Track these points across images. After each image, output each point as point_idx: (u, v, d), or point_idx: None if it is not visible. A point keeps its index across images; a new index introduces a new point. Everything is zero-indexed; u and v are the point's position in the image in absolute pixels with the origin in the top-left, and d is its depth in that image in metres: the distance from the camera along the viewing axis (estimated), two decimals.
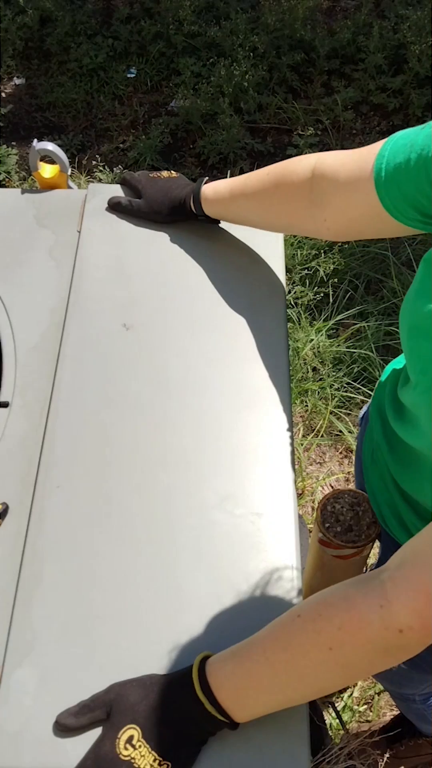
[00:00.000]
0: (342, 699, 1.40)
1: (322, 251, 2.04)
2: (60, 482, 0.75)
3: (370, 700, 1.42)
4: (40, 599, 0.69)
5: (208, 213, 0.90)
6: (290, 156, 2.32)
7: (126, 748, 0.58)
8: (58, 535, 0.72)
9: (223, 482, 0.77)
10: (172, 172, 0.97)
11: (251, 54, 2.43)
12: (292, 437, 0.81)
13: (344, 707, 1.39)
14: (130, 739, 0.58)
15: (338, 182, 0.72)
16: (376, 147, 0.68)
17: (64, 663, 0.65)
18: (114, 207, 0.96)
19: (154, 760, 0.58)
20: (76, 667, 0.65)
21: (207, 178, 0.90)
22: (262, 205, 0.84)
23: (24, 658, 0.65)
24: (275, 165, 0.82)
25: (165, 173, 0.96)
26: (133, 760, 0.58)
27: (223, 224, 0.97)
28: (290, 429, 0.81)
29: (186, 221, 0.94)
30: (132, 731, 0.59)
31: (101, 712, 0.61)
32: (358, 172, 0.68)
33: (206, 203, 0.89)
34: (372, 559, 1.57)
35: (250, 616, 0.69)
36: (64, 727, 0.61)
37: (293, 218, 0.82)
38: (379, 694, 1.43)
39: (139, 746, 0.58)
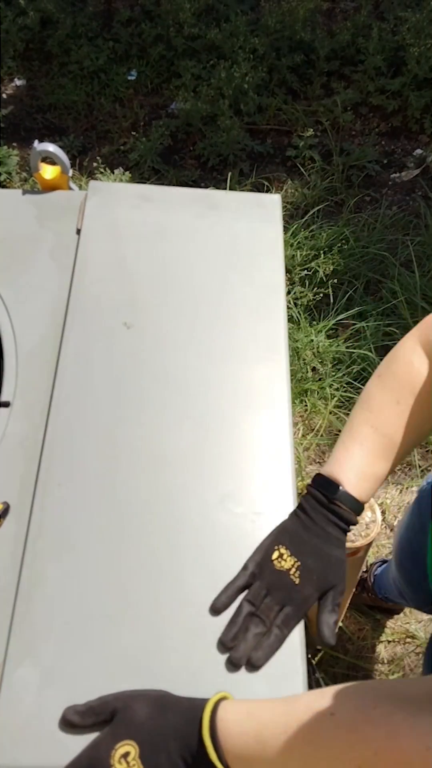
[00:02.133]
0: None
1: (321, 252, 2.05)
2: (61, 481, 0.76)
3: None
4: (41, 598, 0.69)
5: (361, 498, 0.74)
6: (290, 157, 2.35)
7: (120, 763, 0.58)
8: (59, 534, 0.73)
9: (223, 481, 0.77)
10: (276, 550, 0.71)
11: (251, 56, 2.44)
12: (291, 437, 0.81)
13: None
14: (126, 755, 0.58)
15: None
16: None
17: (65, 662, 0.66)
18: (336, 628, 0.72)
19: None
20: (77, 665, 0.66)
21: (337, 485, 0.72)
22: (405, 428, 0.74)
23: (25, 657, 0.66)
24: (379, 382, 0.74)
25: (282, 563, 0.71)
26: None
27: (222, 225, 0.98)
28: (290, 428, 0.81)
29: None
30: (129, 747, 0.58)
31: (106, 715, 0.61)
32: None
33: (368, 495, 0.74)
34: (371, 558, 1.57)
35: None
36: (69, 723, 0.61)
37: None
38: None
39: (134, 765, 0.58)
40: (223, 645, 0.67)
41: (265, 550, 0.71)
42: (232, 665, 0.66)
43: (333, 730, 0.52)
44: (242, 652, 0.66)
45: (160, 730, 0.59)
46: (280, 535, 0.72)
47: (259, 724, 0.56)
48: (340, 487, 0.71)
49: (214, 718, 0.58)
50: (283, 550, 0.71)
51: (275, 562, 0.70)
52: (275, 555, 0.70)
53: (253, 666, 0.66)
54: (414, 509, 1.12)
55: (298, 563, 0.70)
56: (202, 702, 0.60)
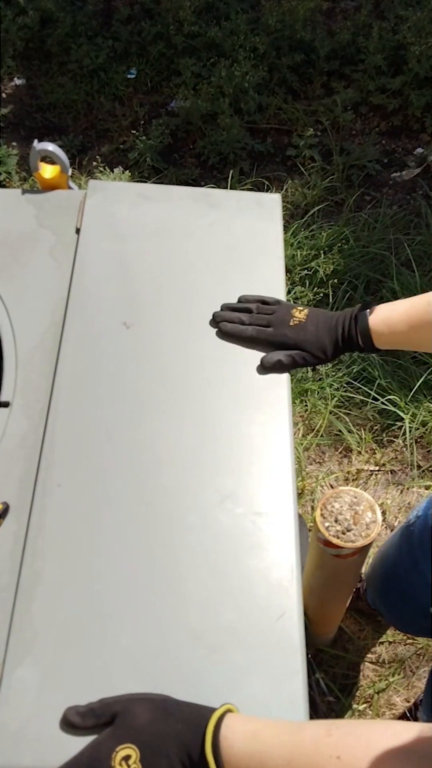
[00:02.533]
0: (341, 699, 1.40)
1: (321, 252, 2.04)
2: (60, 481, 0.76)
3: (369, 699, 1.43)
4: (41, 598, 0.69)
5: (380, 346, 0.85)
6: (290, 156, 2.35)
7: (121, 765, 0.58)
8: (59, 533, 0.72)
9: (223, 481, 0.77)
10: (301, 308, 0.88)
11: (251, 54, 2.43)
12: (291, 437, 0.81)
13: (343, 706, 1.40)
14: (126, 758, 0.58)
15: None
16: None
17: (64, 662, 0.66)
18: (274, 366, 0.85)
19: None
20: (76, 665, 0.66)
21: (369, 310, 0.85)
22: None
23: (25, 657, 0.66)
24: None
25: (297, 313, 0.88)
26: None
27: (222, 224, 0.98)
28: (290, 428, 0.81)
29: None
30: (130, 751, 0.58)
31: (107, 718, 0.61)
32: None
33: (379, 338, 0.84)
34: (371, 558, 1.57)
35: (250, 615, 0.69)
36: (69, 723, 0.61)
37: None
38: (378, 693, 1.43)
39: None
40: (220, 308, 0.89)
41: (293, 304, 0.89)
42: (212, 319, 0.88)
43: None
44: (223, 317, 0.88)
45: (162, 736, 0.59)
46: (313, 307, 0.89)
47: (263, 750, 0.56)
48: (368, 311, 0.84)
49: (218, 736, 0.57)
50: (305, 309, 0.88)
51: (295, 309, 0.88)
52: (300, 307, 0.88)
53: (219, 329, 0.87)
54: (402, 545, 1.10)
55: (304, 322, 0.87)
56: (206, 712, 0.60)
